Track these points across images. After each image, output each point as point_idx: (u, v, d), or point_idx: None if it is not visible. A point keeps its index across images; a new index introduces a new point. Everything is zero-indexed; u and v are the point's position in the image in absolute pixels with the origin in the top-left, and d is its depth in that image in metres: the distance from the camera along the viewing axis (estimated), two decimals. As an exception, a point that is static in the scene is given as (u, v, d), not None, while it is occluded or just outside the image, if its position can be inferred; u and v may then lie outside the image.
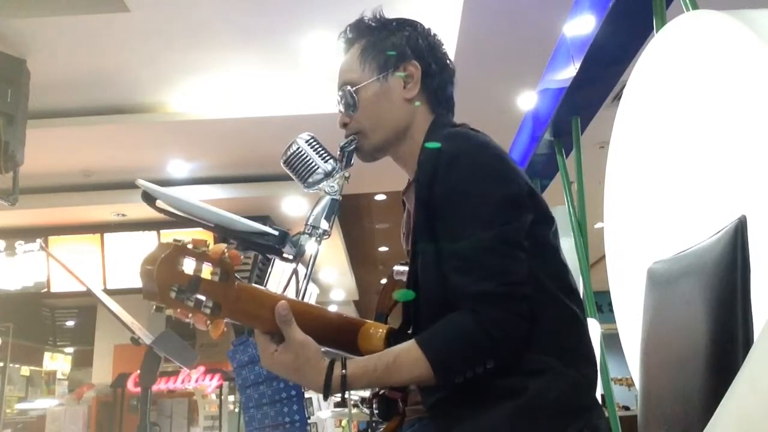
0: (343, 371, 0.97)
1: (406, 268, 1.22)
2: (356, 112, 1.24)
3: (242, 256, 0.93)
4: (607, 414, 3.40)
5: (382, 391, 1.16)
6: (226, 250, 0.90)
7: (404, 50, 1.24)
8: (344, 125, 1.26)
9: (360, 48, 1.25)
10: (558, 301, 1.08)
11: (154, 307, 0.87)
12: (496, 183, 1.06)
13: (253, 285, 0.98)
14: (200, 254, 0.88)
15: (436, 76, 1.25)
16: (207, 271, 0.88)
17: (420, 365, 0.98)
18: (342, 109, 1.26)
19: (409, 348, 1.00)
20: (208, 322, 0.89)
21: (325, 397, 1.00)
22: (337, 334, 1.09)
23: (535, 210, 1.09)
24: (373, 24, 1.27)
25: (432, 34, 1.29)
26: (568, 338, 1.07)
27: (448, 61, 1.28)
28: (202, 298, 0.88)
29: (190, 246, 0.87)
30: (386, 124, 1.23)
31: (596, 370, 1.10)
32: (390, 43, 1.24)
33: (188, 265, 0.87)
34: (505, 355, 0.99)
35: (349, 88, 1.24)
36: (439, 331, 1.01)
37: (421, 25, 1.29)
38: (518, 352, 1.01)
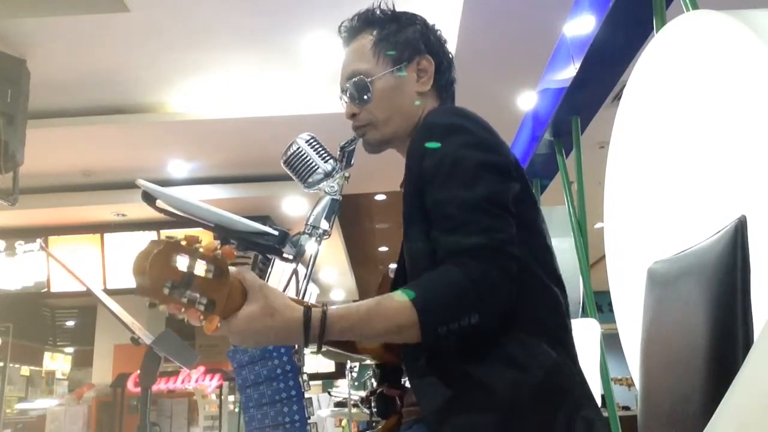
0: (324, 309, 0.93)
1: None
2: (369, 103, 1.23)
3: (236, 252, 0.92)
4: (606, 414, 3.40)
5: (380, 389, 1.16)
6: (218, 246, 0.90)
7: (418, 44, 1.25)
8: (352, 116, 1.26)
9: (372, 39, 1.25)
10: (541, 283, 1.08)
11: (148, 303, 0.87)
12: (484, 151, 1.07)
13: None
14: (193, 251, 0.88)
15: (446, 72, 1.28)
16: (201, 268, 0.88)
17: (405, 312, 0.94)
18: (349, 100, 1.25)
19: (394, 294, 0.97)
20: (202, 317, 0.90)
21: (306, 343, 0.93)
22: None
23: (522, 187, 1.10)
24: (383, 16, 1.27)
25: (438, 30, 1.31)
26: (550, 321, 1.07)
27: (452, 59, 1.31)
28: (196, 294, 0.87)
29: (183, 243, 0.88)
30: (398, 117, 1.24)
31: (575, 355, 1.09)
32: (404, 37, 1.25)
33: (181, 262, 0.87)
34: (492, 310, 0.97)
35: (362, 78, 1.23)
36: (425, 280, 0.99)
37: (428, 21, 1.31)
38: (503, 316, 0.98)
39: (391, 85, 1.23)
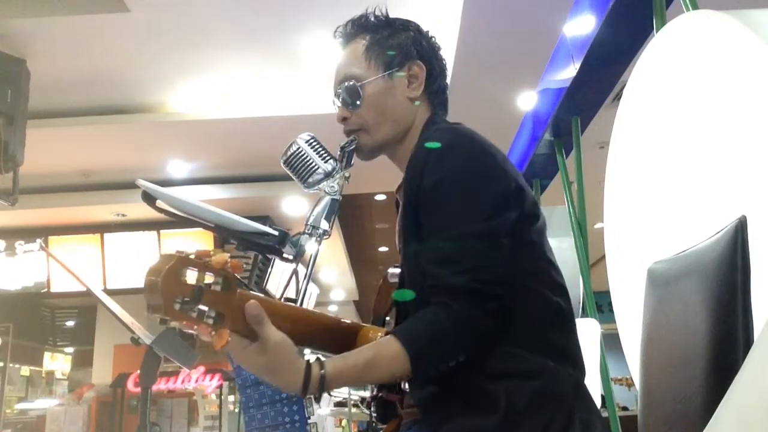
0: (322, 372, 0.95)
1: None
2: (359, 107, 1.24)
3: (243, 266, 0.92)
4: (606, 414, 3.40)
5: (379, 394, 1.16)
6: (228, 260, 0.89)
7: (410, 50, 1.25)
8: (344, 119, 1.26)
9: (364, 44, 1.26)
10: (537, 295, 1.08)
11: (159, 319, 0.86)
12: (484, 179, 1.07)
13: (256, 293, 0.97)
14: (203, 264, 0.87)
15: (438, 78, 1.28)
16: (209, 281, 0.88)
17: (399, 361, 0.98)
18: (341, 104, 1.26)
19: (387, 344, 0.99)
20: (212, 332, 0.89)
21: (303, 396, 0.97)
22: (336, 338, 1.09)
23: (520, 207, 1.09)
24: (377, 21, 1.28)
25: (431, 36, 1.31)
26: (547, 331, 1.07)
27: (445, 66, 1.31)
28: (205, 308, 0.87)
29: (192, 257, 0.87)
30: (389, 122, 1.24)
31: (579, 361, 1.10)
32: (396, 42, 1.25)
33: (191, 276, 0.86)
34: (474, 350, 1.01)
35: (353, 82, 1.24)
36: (416, 327, 1.02)
37: (421, 27, 1.31)
38: (487, 349, 1.02)
39: (382, 89, 1.23)
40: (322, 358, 0.98)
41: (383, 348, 0.99)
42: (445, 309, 0.99)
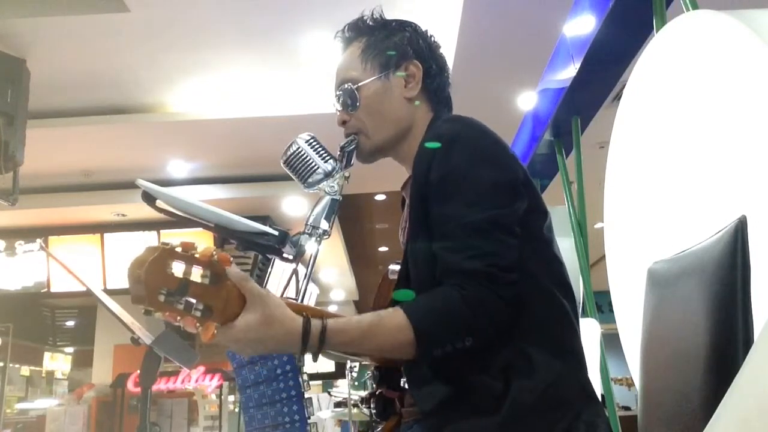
0: (324, 321, 0.93)
1: None
2: (357, 110, 1.24)
3: (231, 258, 0.91)
4: (607, 414, 3.40)
5: (379, 391, 1.16)
6: (214, 252, 0.89)
7: (406, 50, 1.25)
8: (343, 123, 1.27)
9: (360, 47, 1.26)
10: (548, 293, 1.08)
11: (143, 310, 0.86)
12: (492, 167, 1.07)
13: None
14: (189, 257, 0.87)
15: (436, 77, 1.27)
16: (197, 274, 0.87)
17: (403, 331, 0.96)
18: (340, 108, 1.27)
19: (393, 313, 0.98)
20: (198, 324, 0.89)
21: (302, 352, 0.93)
22: None
23: (529, 199, 1.10)
24: (373, 23, 1.28)
25: (430, 35, 1.30)
26: (556, 330, 1.07)
27: (445, 63, 1.30)
28: (192, 300, 0.87)
29: (178, 249, 0.87)
30: (388, 123, 1.24)
31: (584, 363, 1.09)
32: (392, 43, 1.25)
33: (177, 268, 0.86)
34: (485, 335, 0.99)
35: (349, 85, 1.24)
36: (424, 301, 1.01)
37: (419, 26, 1.31)
38: (498, 337, 1.00)
39: (378, 91, 1.23)
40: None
41: (389, 316, 0.98)
42: (456, 289, 0.98)
